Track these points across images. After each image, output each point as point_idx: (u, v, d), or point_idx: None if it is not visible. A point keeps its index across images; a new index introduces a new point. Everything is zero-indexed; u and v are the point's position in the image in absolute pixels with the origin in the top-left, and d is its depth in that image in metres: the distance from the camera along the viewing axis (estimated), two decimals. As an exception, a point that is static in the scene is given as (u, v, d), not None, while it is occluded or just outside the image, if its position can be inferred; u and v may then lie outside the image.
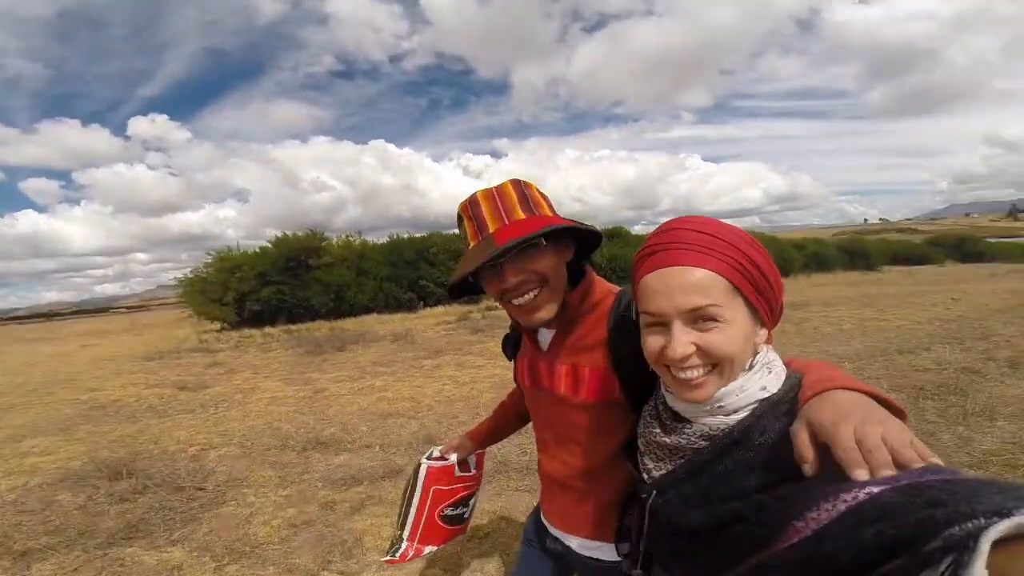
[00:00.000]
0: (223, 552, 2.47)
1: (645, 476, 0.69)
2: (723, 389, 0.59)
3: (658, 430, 0.68)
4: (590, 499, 0.97)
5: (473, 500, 1.32)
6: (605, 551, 0.96)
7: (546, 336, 0.97)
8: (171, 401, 5.76)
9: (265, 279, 11.98)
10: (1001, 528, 0.29)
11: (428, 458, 1.24)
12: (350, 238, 13.11)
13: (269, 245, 12.78)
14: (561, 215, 0.88)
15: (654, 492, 0.66)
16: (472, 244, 0.84)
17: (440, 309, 12.16)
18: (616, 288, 0.94)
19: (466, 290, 0.94)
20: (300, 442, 3.95)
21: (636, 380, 0.82)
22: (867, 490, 0.42)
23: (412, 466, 1.25)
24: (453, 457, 1.26)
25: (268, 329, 11.37)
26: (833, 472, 0.47)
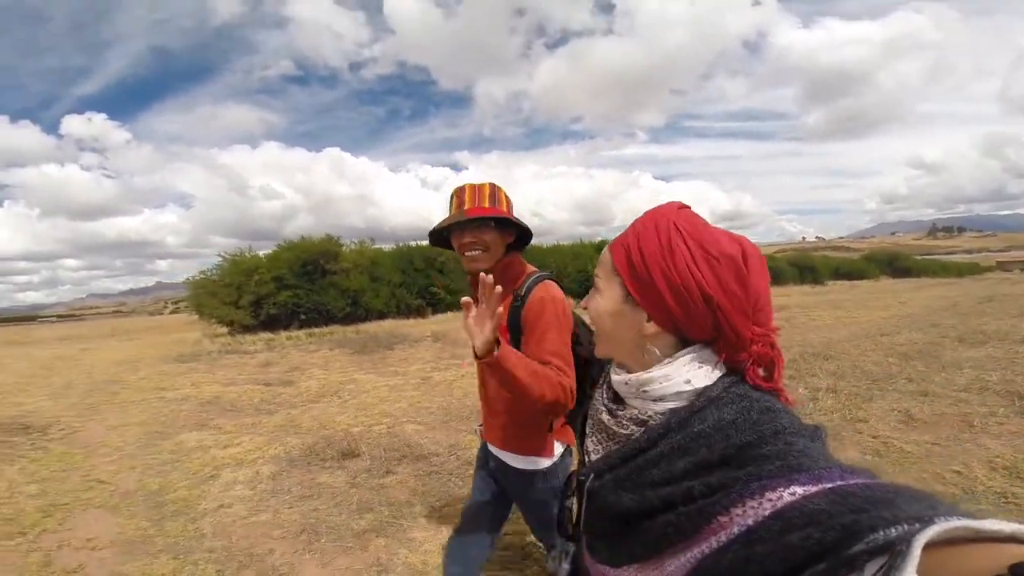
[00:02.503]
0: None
1: (586, 458, 0.75)
2: (648, 374, 0.64)
3: (602, 408, 0.73)
4: (513, 418, 1.39)
5: None
6: (519, 460, 1.41)
7: None
8: (278, 396, 6.14)
9: (282, 283, 12.65)
10: (930, 533, 0.31)
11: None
12: (364, 244, 13.99)
13: (277, 248, 13.46)
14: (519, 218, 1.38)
15: (592, 475, 0.70)
16: (453, 212, 1.33)
17: (450, 315, 13.24)
18: (533, 270, 1.39)
19: (440, 243, 1.42)
20: (469, 415, 4.59)
21: (516, 340, 1.27)
22: (791, 490, 0.46)
23: None
24: None
25: (287, 332, 12.03)
26: (751, 466, 0.51)
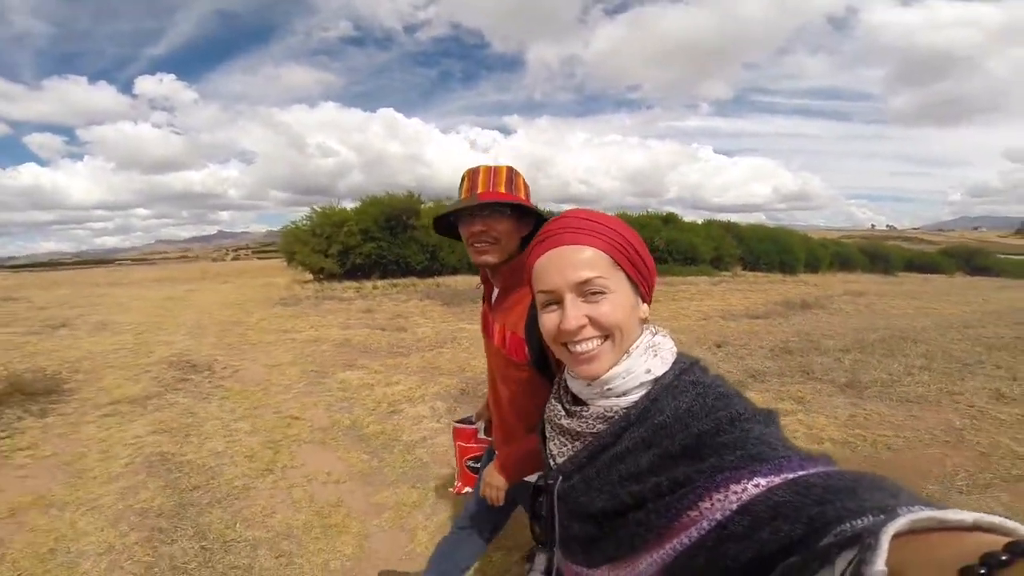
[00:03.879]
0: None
1: (551, 462, 0.76)
2: (610, 372, 0.67)
3: (561, 412, 0.76)
4: (512, 433, 1.29)
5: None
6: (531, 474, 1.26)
7: (496, 295, 1.28)
8: (401, 341, 6.75)
9: (368, 235, 13.76)
10: (897, 525, 0.32)
11: (456, 421, 1.61)
12: (440, 203, 14.89)
13: (358, 204, 14.53)
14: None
15: (560, 477, 0.72)
16: (464, 196, 1.19)
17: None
18: None
19: (445, 230, 1.30)
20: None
21: (540, 351, 1.10)
22: (755, 481, 0.48)
23: None
24: (480, 424, 1.62)
25: (369, 282, 13.17)
26: (712, 458, 0.54)
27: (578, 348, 0.67)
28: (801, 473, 0.47)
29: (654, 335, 0.71)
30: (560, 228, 0.70)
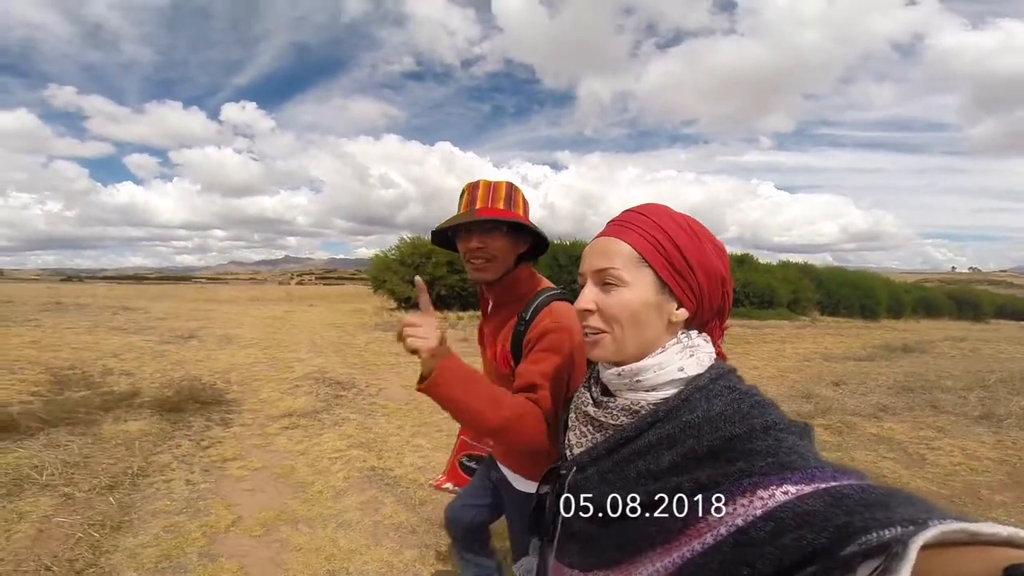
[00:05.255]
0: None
1: (568, 453, 0.76)
2: (641, 363, 0.67)
3: (588, 400, 0.76)
4: None
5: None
6: (519, 482, 1.30)
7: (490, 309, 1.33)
8: None
9: (453, 267, 14.68)
10: (927, 535, 0.32)
11: None
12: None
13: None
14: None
15: (574, 468, 0.71)
16: (462, 211, 1.19)
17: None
18: (546, 285, 1.25)
19: (443, 243, 1.30)
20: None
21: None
22: (784, 488, 0.47)
23: None
24: None
25: (452, 313, 14.00)
26: (741, 462, 0.52)
27: (585, 331, 0.70)
28: (834, 484, 0.46)
29: (694, 337, 0.69)
30: (615, 220, 0.73)
